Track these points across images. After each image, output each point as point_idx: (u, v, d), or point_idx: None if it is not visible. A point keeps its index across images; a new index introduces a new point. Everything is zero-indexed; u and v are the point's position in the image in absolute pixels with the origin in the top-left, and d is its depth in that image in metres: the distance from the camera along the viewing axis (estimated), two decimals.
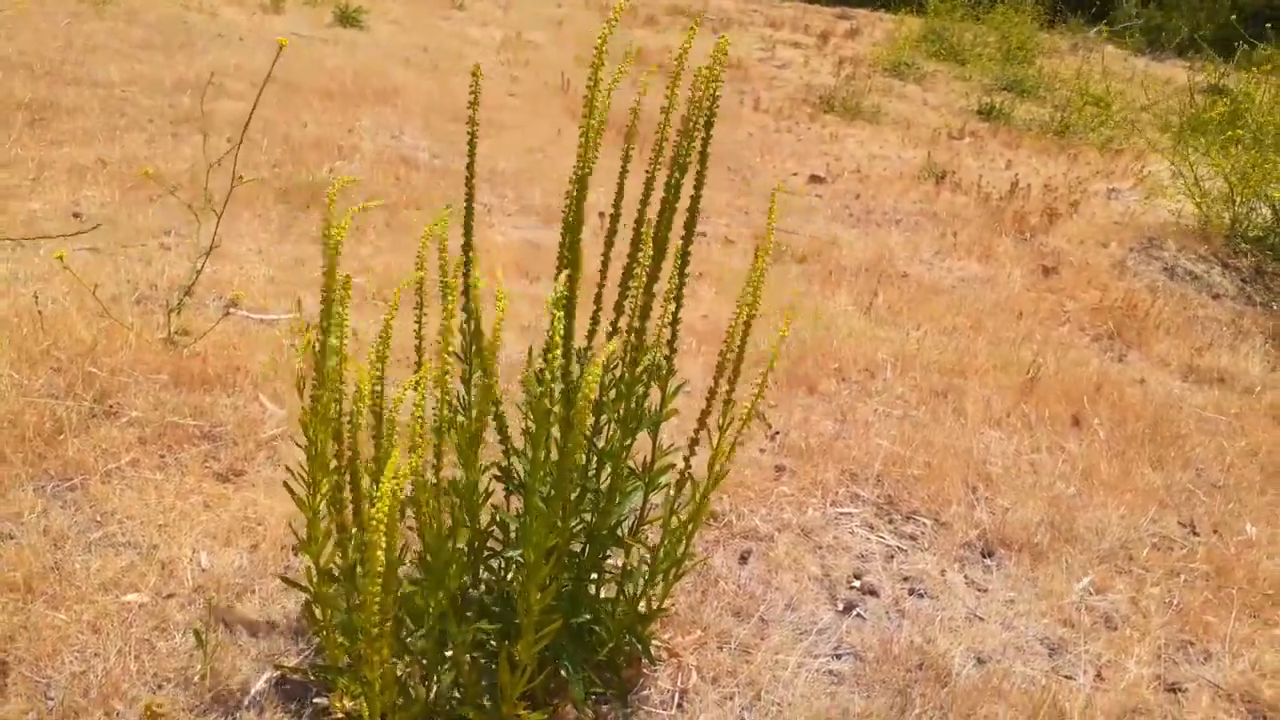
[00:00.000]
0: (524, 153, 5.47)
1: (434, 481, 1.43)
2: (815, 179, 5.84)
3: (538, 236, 4.25)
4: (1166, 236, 5.05)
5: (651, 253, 1.49)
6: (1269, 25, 8.46)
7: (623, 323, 1.53)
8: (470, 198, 1.58)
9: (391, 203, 4.23)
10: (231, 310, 2.87)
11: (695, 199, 1.53)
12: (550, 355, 1.34)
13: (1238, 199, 4.88)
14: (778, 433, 2.77)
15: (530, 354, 1.64)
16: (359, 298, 3.30)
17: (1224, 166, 4.85)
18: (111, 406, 2.22)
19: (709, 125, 1.51)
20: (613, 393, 1.54)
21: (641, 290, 1.48)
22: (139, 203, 3.75)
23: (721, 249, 4.51)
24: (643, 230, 1.50)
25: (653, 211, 1.53)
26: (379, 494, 1.08)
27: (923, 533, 2.41)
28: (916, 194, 5.68)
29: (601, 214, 4.80)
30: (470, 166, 1.58)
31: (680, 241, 1.63)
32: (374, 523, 1.11)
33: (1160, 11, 17.85)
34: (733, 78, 8.26)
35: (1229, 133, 5.06)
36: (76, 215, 3.52)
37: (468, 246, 1.61)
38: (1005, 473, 2.75)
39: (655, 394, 1.64)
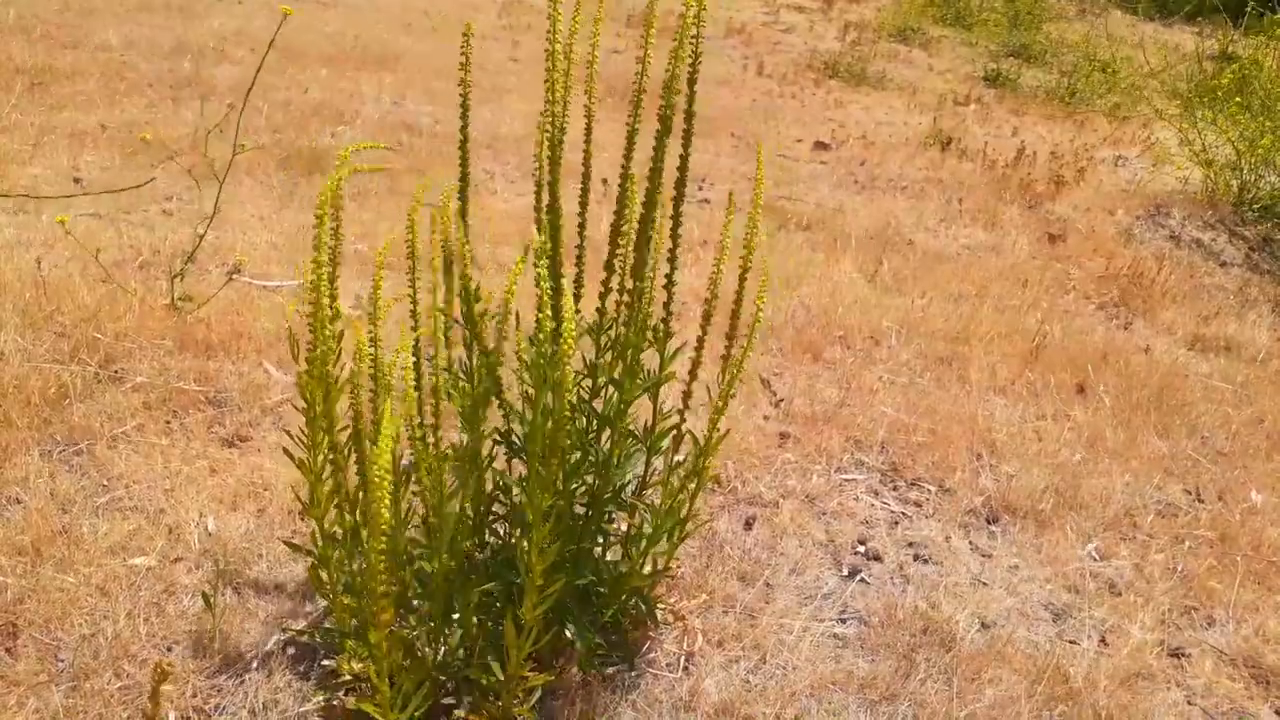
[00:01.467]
0: (526, 118, 5.42)
1: (433, 444, 1.42)
2: (820, 145, 5.79)
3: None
4: (1173, 204, 5.01)
5: (640, 210, 1.47)
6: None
7: (614, 282, 1.52)
8: (465, 161, 1.56)
9: (394, 169, 4.20)
10: (234, 276, 2.86)
11: (684, 157, 1.50)
12: (540, 316, 1.33)
13: (1245, 166, 4.83)
14: (782, 400, 2.76)
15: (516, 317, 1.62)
16: (360, 263, 3.28)
17: (1232, 134, 4.80)
18: (116, 372, 2.22)
19: (692, 82, 1.49)
20: (609, 354, 1.53)
21: (630, 248, 1.47)
22: (140, 168, 3.72)
23: (723, 215, 4.47)
24: (626, 187, 1.49)
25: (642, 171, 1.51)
26: (376, 450, 1.07)
27: (927, 499, 2.41)
28: (922, 161, 5.63)
29: (605, 180, 4.78)
30: (464, 130, 1.55)
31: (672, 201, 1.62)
32: (375, 479, 1.11)
33: None
34: (736, 43, 8.17)
35: (1237, 99, 5.00)
36: (77, 180, 3.49)
37: (463, 212, 1.59)
38: (1010, 440, 2.75)
39: (655, 358, 1.63)
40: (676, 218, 1.48)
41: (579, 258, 1.61)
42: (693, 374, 1.51)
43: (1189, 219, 4.91)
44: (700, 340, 1.47)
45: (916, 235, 4.50)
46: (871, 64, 7.60)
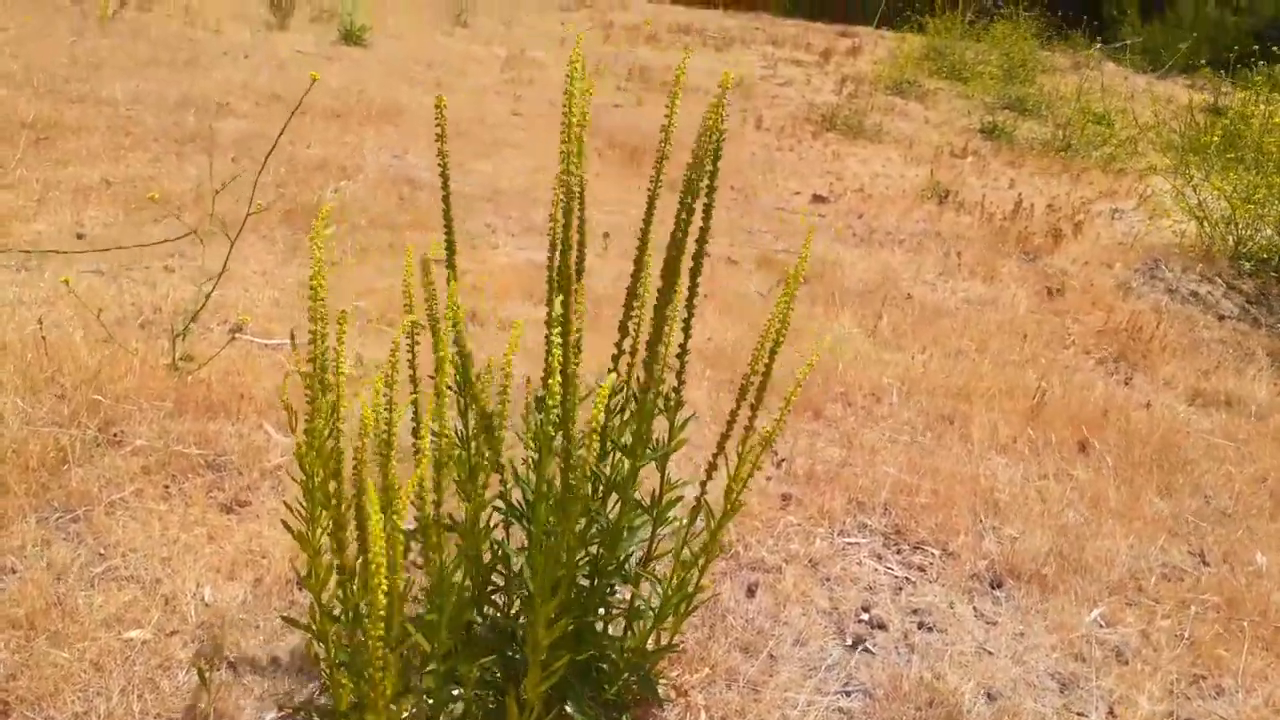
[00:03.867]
0: (528, 172, 5.47)
1: (435, 515, 1.41)
2: (818, 198, 5.85)
3: (542, 257, 4.24)
4: (1170, 258, 5.05)
5: (658, 279, 1.48)
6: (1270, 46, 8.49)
7: (626, 344, 1.52)
8: (449, 228, 1.57)
9: (396, 223, 4.23)
10: (236, 335, 2.86)
11: (704, 229, 1.51)
12: (550, 382, 1.33)
13: (1240, 221, 4.88)
14: (784, 460, 2.75)
15: (527, 382, 1.62)
16: (361, 321, 3.29)
17: (1225, 189, 4.85)
18: (116, 435, 2.21)
19: (715, 158, 1.50)
20: (617, 420, 1.53)
21: (647, 315, 1.47)
22: (143, 223, 3.75)
23: (725, 269, 4.50)
24: (643, 252, 1.49)
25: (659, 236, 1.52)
26: (372, 536, 1.06)
27: (931, 563, 2.39)
28: (920, 213, 5.68)
29: (606, 234, 4.81)
30: (446, 200, 1.57)
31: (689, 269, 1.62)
32: (373, 567, 1.10)
33: (1162, 29, 17.92)
34: (735, 96, 8.27)
35: (1229, 155, 5.06)
36: (80, 236, 3.51)
37: (451, 272, 1.59)
38: (1013, 500, 2.73)
39: (662, 424, 1.63)
40: (693, 288, 1.48)
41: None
42: (721, 445, 1.50)
43: (1186, 272, 4.94)
44: (732, 415, 1.46)
45: (915, 289, 4.53)
46: (868, 117, 7.70)
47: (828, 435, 2.96)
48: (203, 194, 4.03)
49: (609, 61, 8.68)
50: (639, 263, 1.48)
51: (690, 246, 1.55)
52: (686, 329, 1.52)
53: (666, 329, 1.47)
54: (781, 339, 1.43)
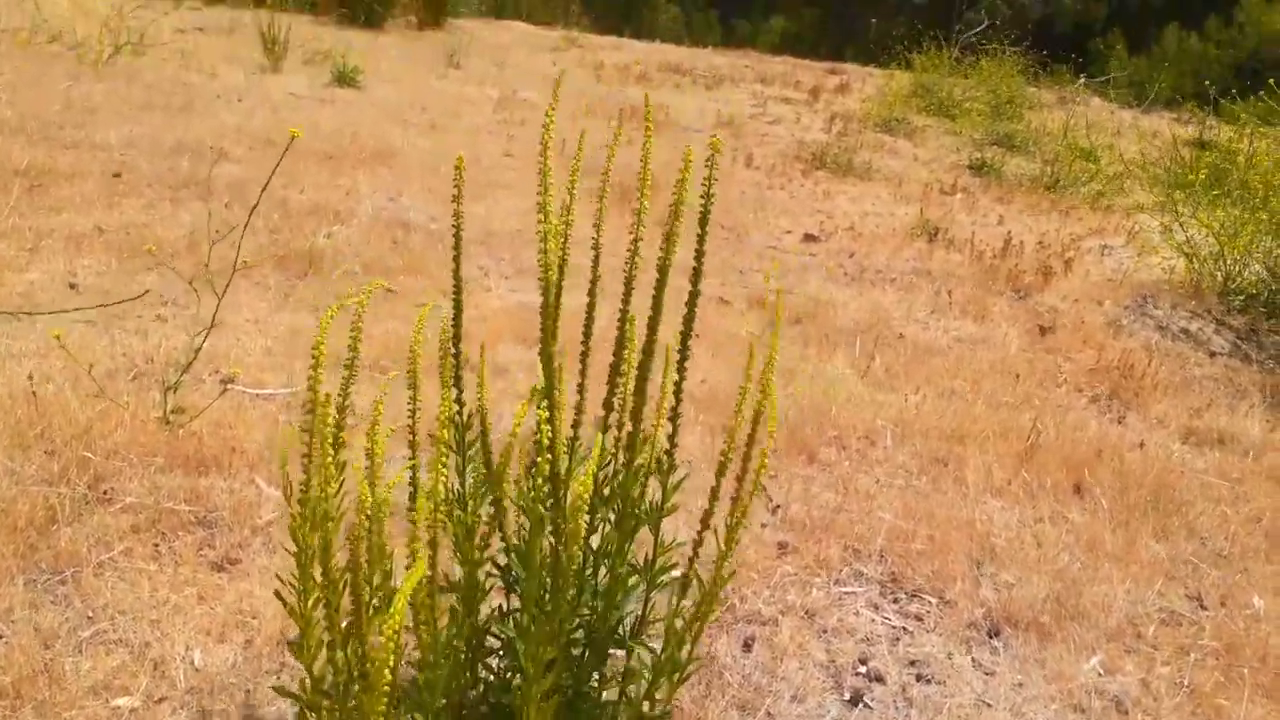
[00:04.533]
0: (521, 214, 5.50)
1: (429, 577, 1.40)
2: (809, 237, 5.88)
3: (535, 300, 4.25)
4: (1160, 294, 5.08)
5: (640, 354, 1.48)
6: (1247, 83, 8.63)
7: (613, 419, 1.52)
8: (458, 291, 1.57)
9: (389, 268, 4.24)
10: (228, 386, 2.85)
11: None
12: (540, 459, 1.33)
13: (1228, 257, 4.92)
14: (779, 506, 2.74)
15: (516, 433, 1.61)
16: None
17: (1213, 226, 4.89)
18: (105, 492, 2.20)
19: (704, 222, 1.51)
20: (608, 490, 1.52)
21: (631, 390, 1.47)
22: (136, 271, 3.75)
23: (716, 310, 4.51)
24: (625, 328, 1.49)
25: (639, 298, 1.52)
26: (384, 629, 1.04)
27: (928, 612, 2.38)
28: (910, 251, 5.71)
29: (600, 275, 4.79)
30: (456, 260, 1.57)
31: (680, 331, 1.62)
32: (376, 661, 1.08)
33: (1147, 62, 18.23)
34: (725, 135, 8.35)
35: (1215, 191, 5.12)
36: (73, 286, 3.51)
37: (457, 339, 1.59)
38: (1009, 545, 2.72)
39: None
40: (681, 366, 1.48)
41: (582, 364, 1.60)
42: (705, 523, 1.49)
43: (1176, 309, 4.97)
44: (714, 491, 1.45)
45: (907, 328, 4.54)
46: (858, 154, 7.77)
47: (822, 480, 2.95)
48: (196, 241, 4.04)
49: (600, 101, 8.76)
50: (619, 340, 1.48)
51: (678, 279, 1.55)
52: (678, 393, 1.52)
53: (648, 405, 1.47)
54: (762, 410, 1.43)
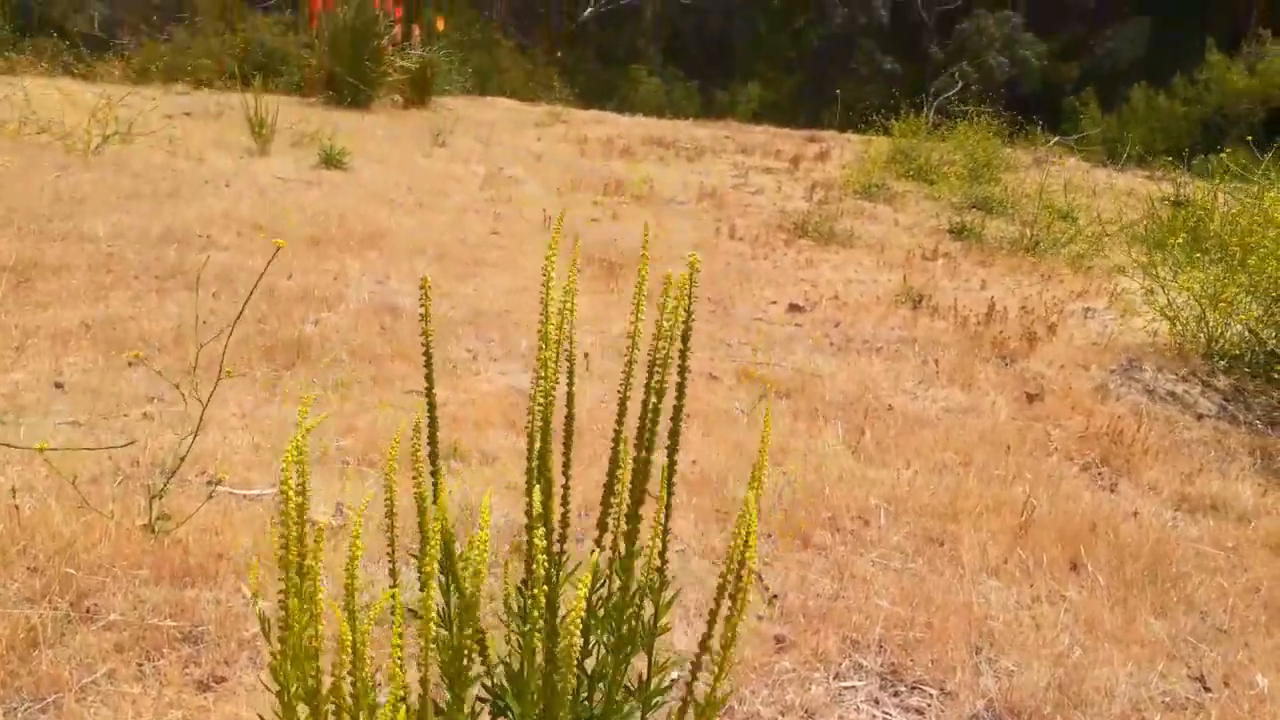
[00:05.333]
0: (508, 293, 5.53)
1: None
2: (794, 308, 5.93)
3: (524, 383, 4.25)
4: (1144, 357, 5.12)
5: (631, 476, 1.47)
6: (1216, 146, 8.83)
7: (607, 540, 1.50)
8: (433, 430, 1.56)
9: (378, 355, 4.24)
10: (214, 486, 2.82)
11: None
12: (535, 590, 1.31)
13: (1210, 319, 4.97)
14: (775, 596, 2.71)
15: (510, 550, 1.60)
16: (342, 461, 3.27)
17: (1193, 289, 4.96)
18: (89, 609, 2.16)
19: (685, 338, 1.52)
20: (601, 610, 1.50)
21: (624, 514, 1.46)
22: (123, 367, 3.74)
23: (706, 385, 4.52)
24: (618, 448, 1.49)
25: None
26: None
27: (929, 705, 2.34)
28: (895, 320, 5.76)
29: (586, 354, 4.82)
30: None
31: (669, 438, 1.62)
32: None
33: (1118, 121, 18.68)
34: (708, 206, 8.47)
35: (1195, 253, 5.20)
36: (59, 385, 3.50)
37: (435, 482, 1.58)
38: (1007, 628, 2.69)
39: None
40: (669, 486, 1.48)
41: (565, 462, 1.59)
42: (703, 646, 1.47)
43: (1162, 371, 5.01)
44: (712, 614, 1.43)
45: (895, 399, 4.55)
46: (839, 222, 7.88)
47: (818, 565, 2.93)
48: (183, 334, 4.04)
49: (584, 176, 8.88)
50: (613, 462, 1.48)
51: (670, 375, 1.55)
52: (667, 510, 1.51)
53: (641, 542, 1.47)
54: (751, 536, 1.41)
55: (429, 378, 1.57)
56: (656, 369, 1.46)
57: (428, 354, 1.50)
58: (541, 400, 1.40)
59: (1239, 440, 4.44)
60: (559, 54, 22.83)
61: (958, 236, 7.83)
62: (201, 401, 2.50)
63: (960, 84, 15.31)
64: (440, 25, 11.32)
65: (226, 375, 2.58)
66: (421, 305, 1.59)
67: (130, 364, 3.73)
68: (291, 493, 1.27)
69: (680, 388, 1.51)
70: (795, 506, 3.29)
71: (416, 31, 11.23)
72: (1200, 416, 4.66)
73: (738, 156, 10.63)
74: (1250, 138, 8.78)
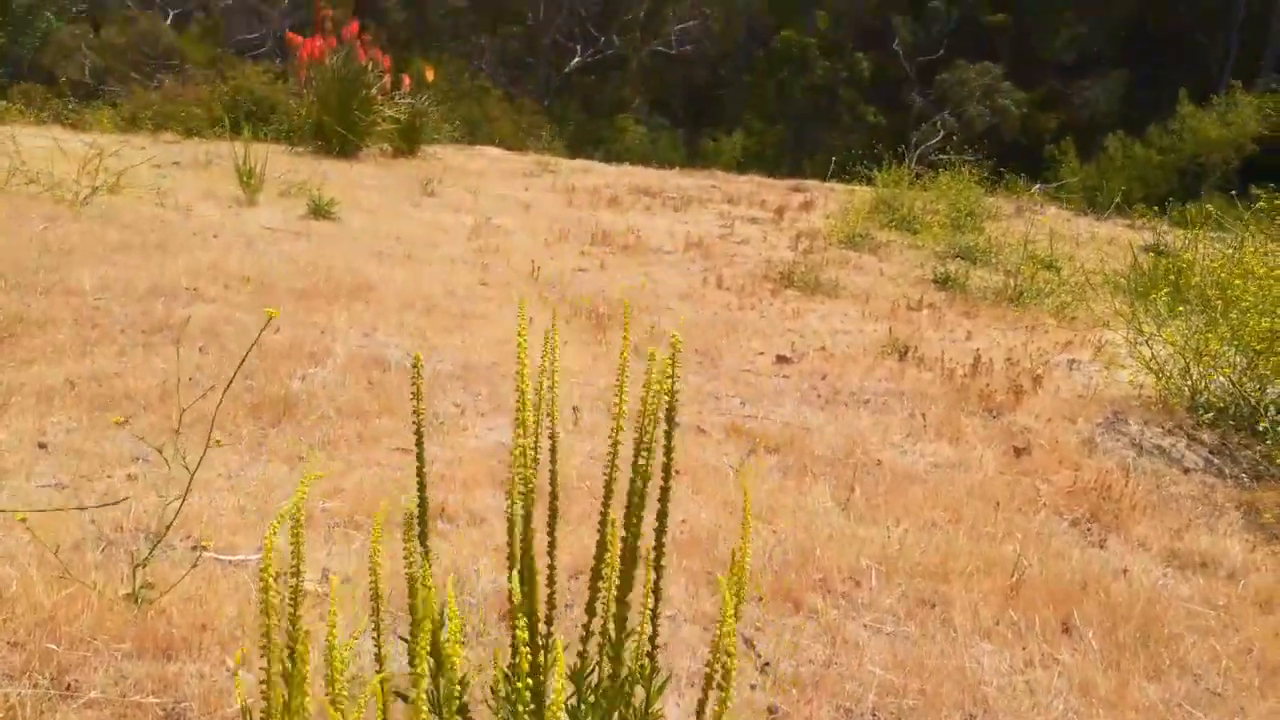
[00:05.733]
0: (496, 344, 5.53)
1: None
2: (781, 359, 5.95)
3: (511, 439, 4.23)
4: (1130, 410, 5.15)
5: (619, 565, 1.46)
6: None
7: (595, 625, 1.49)
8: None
9: (364, 411, 4.22)
10: (199, 553, 2.79)
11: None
12: (519, 684, 1.30)
13: (1194, 372, 5.02)
14: (767, 663, 2.68)
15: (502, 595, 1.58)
16: (329, 524, 3.23)
17: (1176, 342, 5.01)
18: (69, 686, 2.11)
19: (670, 418, 1.52)
20: (591, 698, 1.48)
21: (613, 597, 1.45)
22: (107, 426, 3.71)
23: (695, 440, 4.51)
24: (606, 531, 1.48)
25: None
26: None
27: None
28: (882, 371, 5.78)
29: (575, 408, 4.81)
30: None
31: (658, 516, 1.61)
32: None
33: (1096, 170, 19.03)
34: (695, 255, 8.53)
35: (1177, 307, 5.26)
36: (42, 445, 3.46)
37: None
38: (1000, 694, 2.67)
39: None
40: (658, 567, 1.47)
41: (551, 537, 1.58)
42: None
43: (1148, 424, 5.04)
44: (700, 704, 1.41)
45: (884, 453, 4.56)
46: (824, 271, 7.95)
47: (810, 630, 2.90)
48: (169, 391, 4.02)
49: (572, 225, 8.94)
50: (600, 549, 1.47)
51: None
52: (657, 593, 1.50)
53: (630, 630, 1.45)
54: (731, 665, 1.40)
55: (420, 457, 1.56)
56: (643, 452, 1.46)
57: (419, 437, 1.49)
58: (521, 489, 1.40)
59: (1226, 494, 4.46)
60: (546, 103, 23.11)
61: (942, 286, 7.90)
62: (188, 468, 2.47)
63: (942, 133, 15.57)
64: (430, 75, 11.44)
65: (215, 444, 2.55)
66: (413, 384, 1.59)
67: (113, 414, 3.70)
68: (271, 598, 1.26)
69: (666, 468, 1.50)
70: (785, 568, 3.27)
71: (406, 81, 11.35)
72: (1187, 470, 4.68)
73: (723, 206, 10.74)
74: (1224, 186, 8.94)
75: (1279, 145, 19.43)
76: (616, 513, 1.49)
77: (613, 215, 9.57)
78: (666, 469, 1.51)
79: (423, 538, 1.55)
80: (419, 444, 1.56)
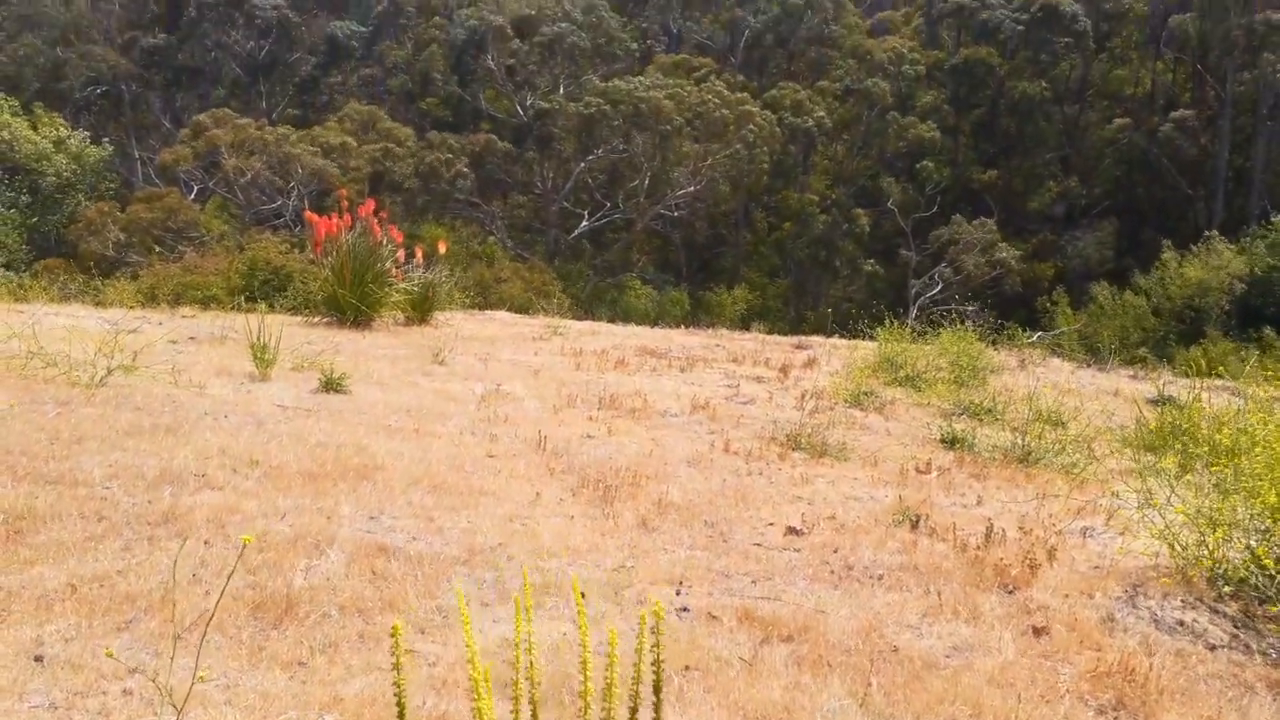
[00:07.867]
0: (503, 521, 5.50)
1: None
2: (792, 531, 5.88)
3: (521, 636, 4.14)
4: (1148, 582, 5.04)
5: None
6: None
7: None
8: None
9: (366, 608, 4.16)
10: None
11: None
12: None
13: (1210, 543, 4.94)
14: None
15: None
16: None
17: (1190, 513, 4.95)
18: None
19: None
20: None
21: None
22: (107, 632, 3.66)
23: (705, 628, 4.41)
24: None
25: None
26: None
27: None
28: (894, 543, 5.70)
29: (583, 594, 4.74)
30: None
31: None
32: None
33: (1089, 317, 19.37)
34: (701, 418, 8.58)
35: (1187, 475, 5.23)
36: (38, 659, 3.40)
37: None
38: None
39: None
40: None
41: None
42: None
43: (1167, 597, 4.92)
44: None
45: (901, 637, 4.44)
46: (831, 432, 7.96)
47: None
48: (170, 590, 3.98)
49: (580, 390, 9.04)
50: None
51: None
52: None
53: None
54: None
55: None
56: None
57: None
58: None
59: (1255, 673, 4.31)
60: (556, 261, 23.86)
61: (950, 447, 7.90)
62: (175, 707, 2.42)
63: (940, 285, 15.95)
64: (442, 248, 11.87)
65: (200, 679, 2.51)
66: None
67: (119, 626, 3.65)
68: None
69: None
70: None
71: (419, 253, 11.76)
72: (1212, 647, 4.53)
73: (728, 365, 10.88)
74: (1223, 326, 9.06)
75: (1269, 286, 19.85)
76: None
77: (620, 377, 9.69)
78: None
79: None
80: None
